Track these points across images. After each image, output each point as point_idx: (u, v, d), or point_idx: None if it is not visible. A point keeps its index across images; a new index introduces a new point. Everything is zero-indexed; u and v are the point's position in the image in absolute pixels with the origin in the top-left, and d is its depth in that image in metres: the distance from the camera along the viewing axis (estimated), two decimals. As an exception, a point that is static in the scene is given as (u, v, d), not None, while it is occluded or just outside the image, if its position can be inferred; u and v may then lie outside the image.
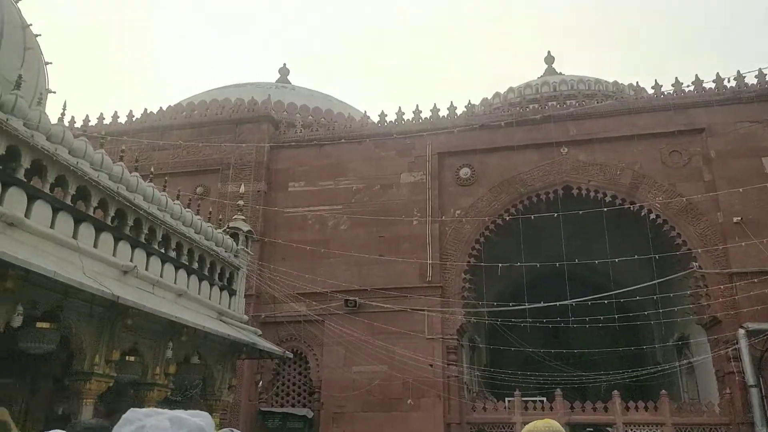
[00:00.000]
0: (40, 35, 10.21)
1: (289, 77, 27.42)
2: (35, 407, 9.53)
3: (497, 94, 22.68)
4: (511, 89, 22.92)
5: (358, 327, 15.90)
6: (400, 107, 19.28)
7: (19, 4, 10.11)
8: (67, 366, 8.14)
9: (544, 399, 16.02)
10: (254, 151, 18.65)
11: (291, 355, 13.83)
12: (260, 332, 12.91)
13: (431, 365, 15.66)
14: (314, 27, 61.74)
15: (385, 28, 62.28)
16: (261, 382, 16.25)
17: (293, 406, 16.56)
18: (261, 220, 17.67)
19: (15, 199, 6.77)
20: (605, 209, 15.88)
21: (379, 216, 17.23)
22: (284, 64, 27.69)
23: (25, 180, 7.05)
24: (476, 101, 21.50)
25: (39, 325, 6.99)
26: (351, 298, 16.31)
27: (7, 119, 6.65)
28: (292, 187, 18.66)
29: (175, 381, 10.12)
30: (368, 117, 20.77)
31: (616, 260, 15.44)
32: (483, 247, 16.94)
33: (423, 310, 16.09)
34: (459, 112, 18.71)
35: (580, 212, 15.64)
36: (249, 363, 15.70)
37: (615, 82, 22.00)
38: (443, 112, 18.68)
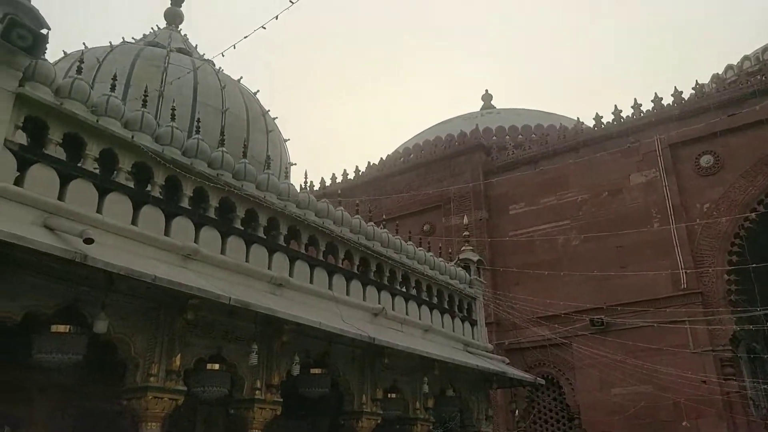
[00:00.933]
0: (277, 118, 11.81)
1: (492, 102, 27.58)
2: (319, 444, 10.62)
3: (729, 67, 19.97)
4: (746, 57, 20.00)
5: (609, 347, 14.86)
6: (615, 105, 18.08)
7: (257, 95, 11.83)
8: (339, 406, 8.94)
9: None
10: (471, 181, 18.93)
11: (543, 382, 13.41)
12: (507, 360, 12.80)
13: (704, 381, 13.93)
14: (511, 46, 61.49)
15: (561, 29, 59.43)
16: (517, 411, 16.01)
17: (553, 433, 15.98)
18: (488, 248, 17.73)
19: (279, 263, 7.78)
20: None
21: (612, 225, 16.14)
22: (486, 91, 28.02)
23: (284, 245, 8.07)
24: (687, 86, 19.15)
25: (312, 371, 7.82)
26: (597, 318, 15.37)
27: (264, 196, 7.72)
28: (513, 210, 18.46)
29: (435, 414, 10.46)
30: (582, 123, 19.81)
31: None
32: (745, 242, 14.77)
33: (683, 322, 14.47)
34: (686, 96, 16.86)
35: None
36: (501, 392, 15.61)
37: None
38: (667, 100, 17.02)
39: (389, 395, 9.11)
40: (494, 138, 21.51)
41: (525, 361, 15.99)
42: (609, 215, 16.53)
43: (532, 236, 17.74)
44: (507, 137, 21.43)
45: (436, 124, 25.62)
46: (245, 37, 7.54)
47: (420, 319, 10.38)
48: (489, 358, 11.75)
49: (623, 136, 17.21)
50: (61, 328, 5.21)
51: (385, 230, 10.32)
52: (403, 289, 10.31)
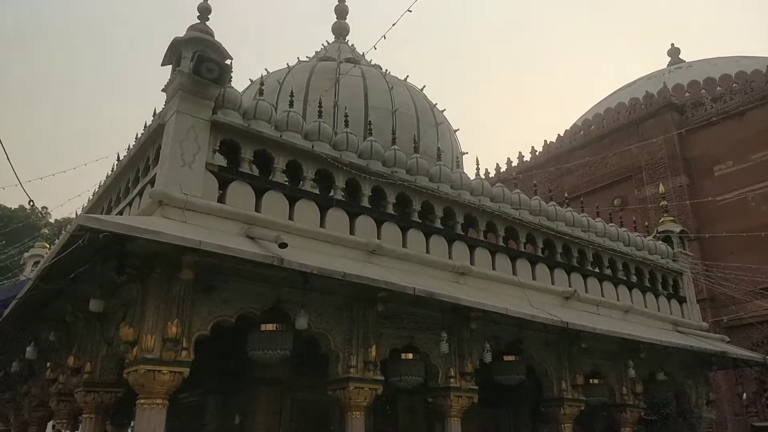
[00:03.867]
0: (445, 110, 11.87)
1: (680, 56, 24.82)
2: (521, 429, 10.45)
3: None
4: None
5: None
6: (840, 34, 15.15)
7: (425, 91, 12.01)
8: (538, 393, 8.71)
9: None
10: (663, 146, 17.21)
11: (775, 361, 11.73)
12: (727, 339, 11.42)
13: None
14: (694, -9, 54.81)
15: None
16: (744, 394, 14.22)
17: (795, 420, 13.90)
18: (692, 217, 15.99)
19: (459, 252, 7.81)
20: None
21: None
22: (672, 44, 25.27)
23: (463, 233, 8.08)
24: None
25: (505, 358, 7.72)
26: (840, 283, 13.05)
27: (437, 187, 7.80)
28: (719, 171, 16.42)
29: (645, 400, 9.71)
30: (795, 61, 16.97)
31: None
32: None
33: None
34: None
35: None
36: (725, 375, 14.01)
37: None
38: None
39: (591, 381, 8.65)
40: (687, 94, 19.32)
41: (751, 338, 14.15)
42: None
43: (746, 198, 15.60)
44: (702, 91, 19.11)
45: (617, 90, 23.74)
46: (393, 25, 7.73)
47: (618, 299, 9.71)
48: (704, 337, 10.59)
49: None
50: (269, 326, 5.77)
51: (569, 209, 9.82)
52: (596, 270, 9.73)
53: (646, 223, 12.81)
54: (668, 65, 24.52)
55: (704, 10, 54.12)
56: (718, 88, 18.99)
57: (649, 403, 10.52)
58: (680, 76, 21.08)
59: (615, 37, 59.03)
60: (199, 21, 6.29)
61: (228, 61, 6.14)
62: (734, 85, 18.49)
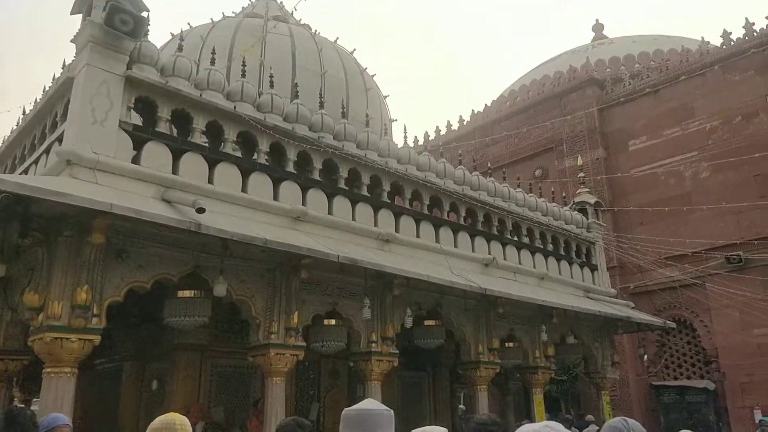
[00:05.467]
0: (375, 75, 11.75)
1: (604, 32, 25.62)
2: (440, 392, 10.84)
3: None
4: None
5: (750, 285, 13.63)
6: (747, 18, 16.05)
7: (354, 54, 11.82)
8: (457, 356, 9.01)
9: None
10: (584, 119, 17.85)
11: (674, 325, 12.64)
12: (632, 305, 12.19)
13: None
14: (620, -32, 56.46)
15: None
16: (645, 356, 15.31)
17: (688, 378, 15.12)
18: (607, 189, 16.76)
19: (385, 220, 7.85)
20: None
21: (747, 152, 14.56)
22: (596, 20, 26.01)
23: (389, 201, 8.11)
24: None
25: (426, 323, 7.92)
26: (733, 254, 14.13)
27: (365, 154, 7.76)
28: (634, 146, 17.22)
29: (556, 362, 10.27)
30: (707, 43, 17.89)
31: None
32: None
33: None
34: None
35: None
36: (629, 338, 14.98)
37: None
38: (811, 6, 14.84)
39: (507, 344, 9.04)
40: (608, 70, 20.00)
41: (654, 304, 15.14)
42: (744, 141, 14.90)
43: (656, 172, 16.49)
44: (622, 67, 19.83)
45: (543, 63, 24.26)
46: None
47: (534, 267, 10.11)
48: (612, 303, 11.26)
49: (759, 52, 15.31)
50: (186, 293, 5.63)
51: (492, 179, 10.05)
52: (515, 238, 10.05)
53: (564, 194, 13.36)
54: (592, 40, 25.27)
55: (628, -12, 55.80)
56: (637, 65, 19.76)
57: (560, 365, 11.15)
58: (602, 51, 21.77)
59: (545, 9, 60.10)
60: (112, -32, 5.85)
61: (144, 14, 5.78)
62: (651, 63, 19.30)
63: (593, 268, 11.80)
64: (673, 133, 16.47)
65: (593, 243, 12.01)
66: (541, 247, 10.55)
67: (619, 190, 16.91)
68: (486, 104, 21.63)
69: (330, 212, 7.24)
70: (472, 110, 21.62)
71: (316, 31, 11.74)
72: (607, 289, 11.80)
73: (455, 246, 8.77)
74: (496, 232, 9.66)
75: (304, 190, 7.05)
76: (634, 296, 14.43)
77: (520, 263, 9.83)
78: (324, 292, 6.85)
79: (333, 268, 6.53)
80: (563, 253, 11.08)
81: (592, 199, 12.58)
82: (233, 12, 12.17)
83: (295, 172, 7.10)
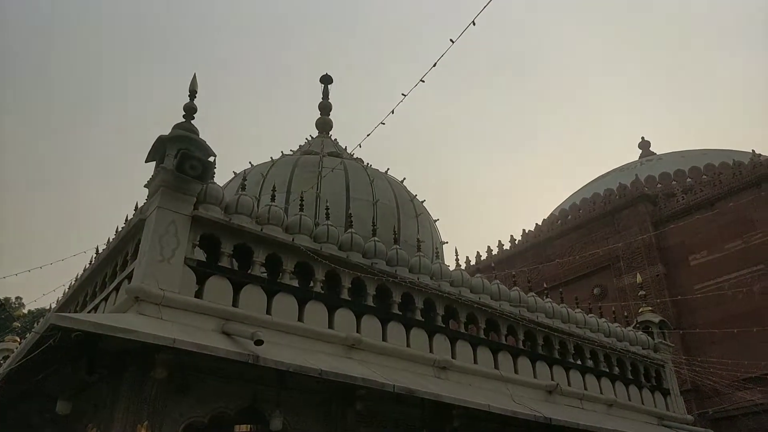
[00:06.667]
0: (425, 201, 12.11)
1: (651, 149, 25.90)
2: None
3: None
4: None
5: None
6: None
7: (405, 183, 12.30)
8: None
9: None
10: (639, 235, 17.59)
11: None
12: (714, 432, 11.21)
13: None
14: (659, 91, 58.04)
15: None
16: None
17: None
18: (671, 306, 16.08)
19: (440, 345, 7.72)
20: None
21: (820, 264, 13.90)
22: (642, 138, 26.40)
23: (443, 325, 8.02)
24: None
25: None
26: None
27: (417, 278, 7.83)
28: (695, 260, 16.71)
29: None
30: (759, 155, 17.78)
31: None
32: None
33: None
34: None
35: None
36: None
37: None
38: None
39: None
40: (659, 186, 20.00)
41: (737, 431, 13.86)
42: (814, 253, 14.31)
43: (722, 287, 15.81)
44: (674, 182, 19.82)
45: (591, 181, 24.49)
46: (381, 123, 7.83)
47: (601, 393, 9.57)
48: (689, 431, 10.38)
49: (815, 161, 15.09)
50: (243, 428, 5.58)
51: (549, 299, 9.85)
52: (578, 362, 9.64)
53: (626, 313, 12.85)
54: (639, 157, 25.51)
55: (672, 104, 56.96)
56: (689, 179, 19.71)
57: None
58: (651, 167, 21.89)
59: (588, 129, 61.49)
60: (184, 120, 6.48)
61: (211, 158, 6.29)
62: (703, 177, 19.22)
63: (665, 393, 11.04)
64: (736, 247, 15.98)
65: (662, 365, 11.34)
66: (607, 370, 10.04)
67: (683, 307, 16.19)
68: (537, 223, 21.73)
69: (384, 338, 7.20)
70: (523, 230, 21.70)
71: (368, 163, 12.35)
72: (683, 416, 10.94)
73: (515, 372, 8.46)
74: (557, 356, 9.30)
75: (358, 316, 7.10)
76: (713, 422, 13.30)
77: (585, 389, 9.34)
78: (380, 424, 6.64)
79: (389, 398, 6.37)
80: (631, 377, 10.48)
81: (657, 318, 12.05)
82: (291, 150, 13.01)
83: (350, 299, 7.20)
